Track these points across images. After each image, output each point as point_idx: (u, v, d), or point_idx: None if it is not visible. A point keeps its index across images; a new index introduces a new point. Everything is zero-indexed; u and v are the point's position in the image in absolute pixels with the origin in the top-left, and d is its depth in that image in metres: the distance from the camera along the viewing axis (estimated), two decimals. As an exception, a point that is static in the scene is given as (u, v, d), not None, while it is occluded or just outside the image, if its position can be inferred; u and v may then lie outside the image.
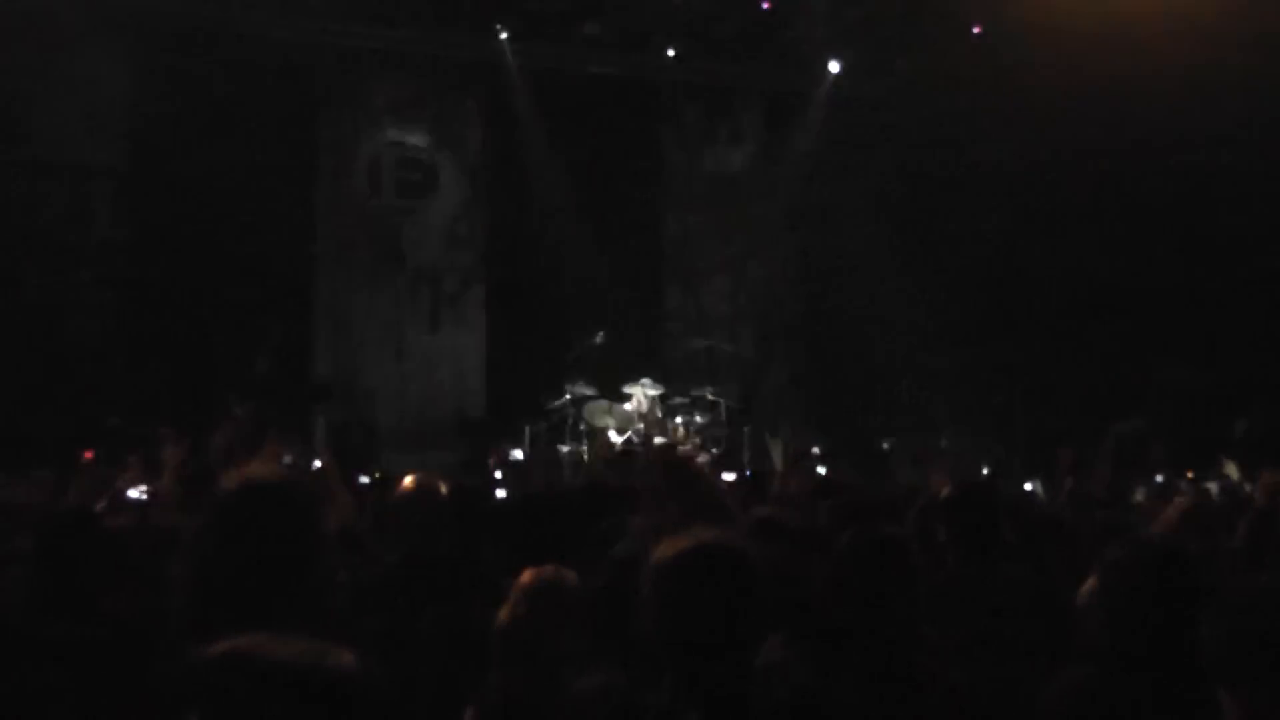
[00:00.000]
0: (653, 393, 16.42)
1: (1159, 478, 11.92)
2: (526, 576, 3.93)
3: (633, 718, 2.71)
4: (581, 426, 16.09)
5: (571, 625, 3.84)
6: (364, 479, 10.38)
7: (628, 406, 16.38)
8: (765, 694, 2.66)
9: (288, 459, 9.09)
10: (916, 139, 18.18)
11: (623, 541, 4.95)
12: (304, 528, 2.92)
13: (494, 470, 8.06)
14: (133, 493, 7.88)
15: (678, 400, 16.75)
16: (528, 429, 16.29)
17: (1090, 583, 3.94)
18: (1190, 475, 10.16)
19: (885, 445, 10.57)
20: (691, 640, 2.62)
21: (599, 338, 16.50)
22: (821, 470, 8.31)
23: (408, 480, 5.19)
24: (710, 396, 16.79)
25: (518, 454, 15.52)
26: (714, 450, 16.11)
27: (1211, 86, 14.27)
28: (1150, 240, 15.95)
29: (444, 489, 5.22)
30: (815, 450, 8.18)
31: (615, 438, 15.75)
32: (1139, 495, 9.28)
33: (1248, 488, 8.97)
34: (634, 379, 16.52)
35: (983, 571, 4.77)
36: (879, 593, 3.64)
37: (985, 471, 14.52)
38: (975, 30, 17.58)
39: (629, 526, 5.13)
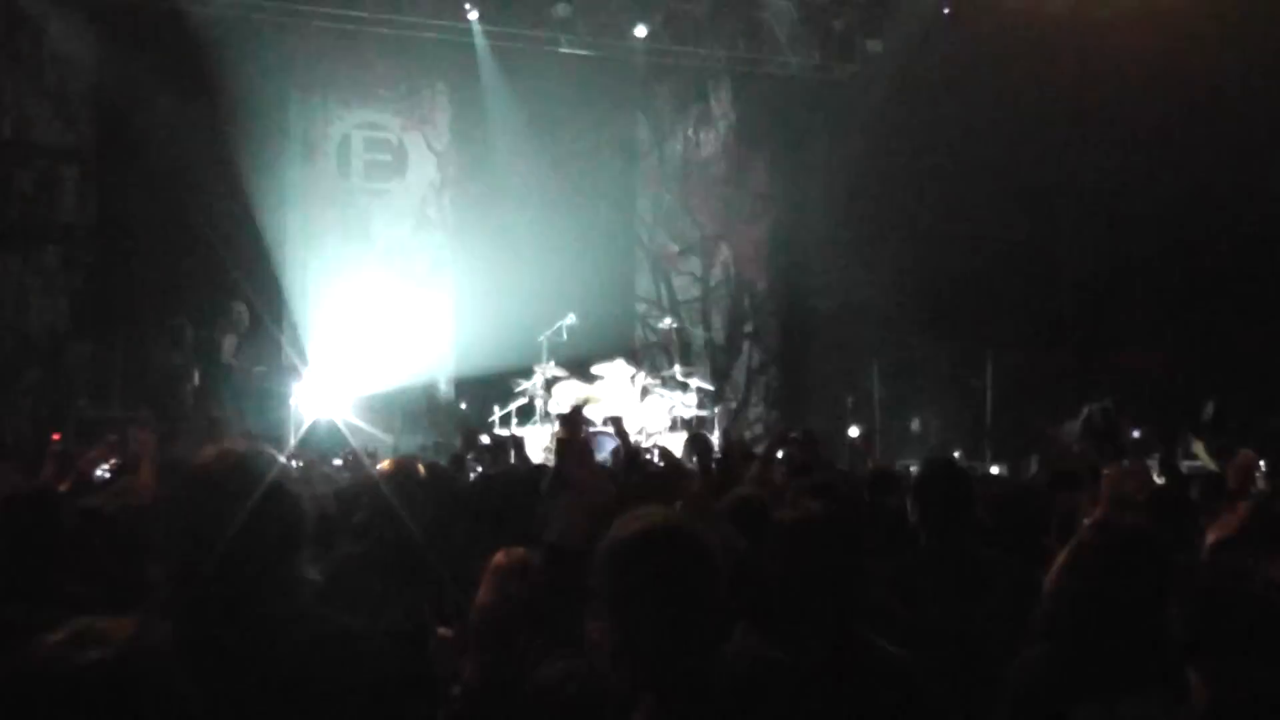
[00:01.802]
0: (624, 374, 16.43)
1: (1125, 462, 11.98)
2: (499, 559, 3.93)
3: (594, 701, 2.70)
4: (551, 408, 16.07)
5: (539, 606, 3.86)
6: (336, 461, 10.37)
7: (598, 388, 16.37)
8: (723, 675, 2.63)
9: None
10: (889, 122, 18.22)
11: (554, 523, 4.94)
12: (279, 496, 2.90)
13: (465, 452, 8.02)
14: (99, 471, 7.83)
15: (649, 381, 16.75)
16: (497, 410, 16.28)
17: (1058, 562, 3.95)
18: (1158, 456, 10.21)
19: (853, 430, 10.60)
20: (642, 623, 2.59)
21: (569, 319, 16.47)
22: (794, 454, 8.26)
23: (386, 462, 5.16)
24: (680, 377, 16.80)
25: (485, 439, 15.51)
26: (687, 430, 16.14)
27: (1181, 68, 14.32)
28: (1119, 224, 16.00)
29: (422, 470, 5.20)
30: (793, 434, 8.20)
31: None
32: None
33: (1214, 468, 9.03)
34: (605, 360, 16.52)
35: (952, 551, 4.78)
36: (823, 570, 3.63)
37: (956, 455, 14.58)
38: (945, 11, 17.63)
39: (558, 508, 5.13)
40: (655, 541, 2.62)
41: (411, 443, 15.04)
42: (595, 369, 16.47)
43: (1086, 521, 4.57)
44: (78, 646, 2.06)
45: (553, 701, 2.84)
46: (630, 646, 2.61)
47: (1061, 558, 3.88)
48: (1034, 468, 10.86)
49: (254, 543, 2.81)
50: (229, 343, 15.28)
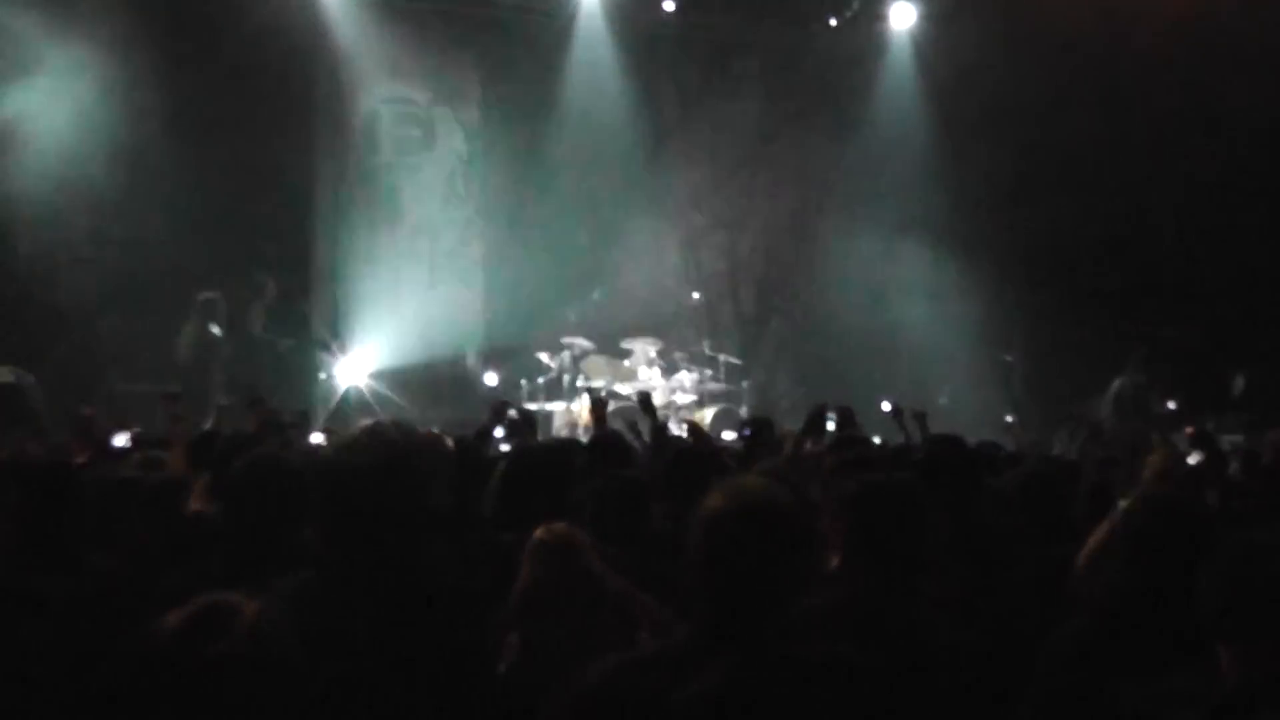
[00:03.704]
0: (651, 348, 16.44)
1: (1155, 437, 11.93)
2: (540, 534, 3.93)
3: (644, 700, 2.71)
4: (579, 382, 16.09)
5: (586, 582, 3.84)
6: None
7: (626, 363, 16.39)
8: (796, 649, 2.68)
9: (288, 417, 9.07)
10: (915, 92, 18.15)
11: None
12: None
13: (492, 426, 8.02)
14: (119, 441, 7.86)
15: (677, 355, 16.75)
16: (525, 385, 16.31)
17: (1096, 537, 3.94)
18: (1190, 431, 10.14)
19: (885, 404, 10.56)
20: (732, 590, 2.67)
21: (597, 294, 16.47)
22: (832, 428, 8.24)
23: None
24: (709, 352, 16.78)
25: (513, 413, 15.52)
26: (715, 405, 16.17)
27: (1214, 35, 14.20)
28: (1148, 195, 15.88)
29: (450, 444, 5.20)
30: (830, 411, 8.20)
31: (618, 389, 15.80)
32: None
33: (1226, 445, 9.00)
34: (632, 334, 16.53)
35: (968, 526, 4.77)
36: (882, 539, 3.67)
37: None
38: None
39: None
40: (757, 512, 2.69)
41: (438, 416, 15.06)
42: (623, 344, 16.48)
43: (1122, 503, 4.55)
44: (203, 635, 2.09)
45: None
46: (720, 613, 2.68)
47: (1101, 533, 3.87)
48: (1068, 442, 10.80)
49: (400, 510, 2.99)
50: (256, 315, 15.33)
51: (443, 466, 4.72)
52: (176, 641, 2.09)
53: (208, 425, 9.96)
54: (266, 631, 2.16)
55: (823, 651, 2.72)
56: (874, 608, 3.51)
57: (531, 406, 14.88)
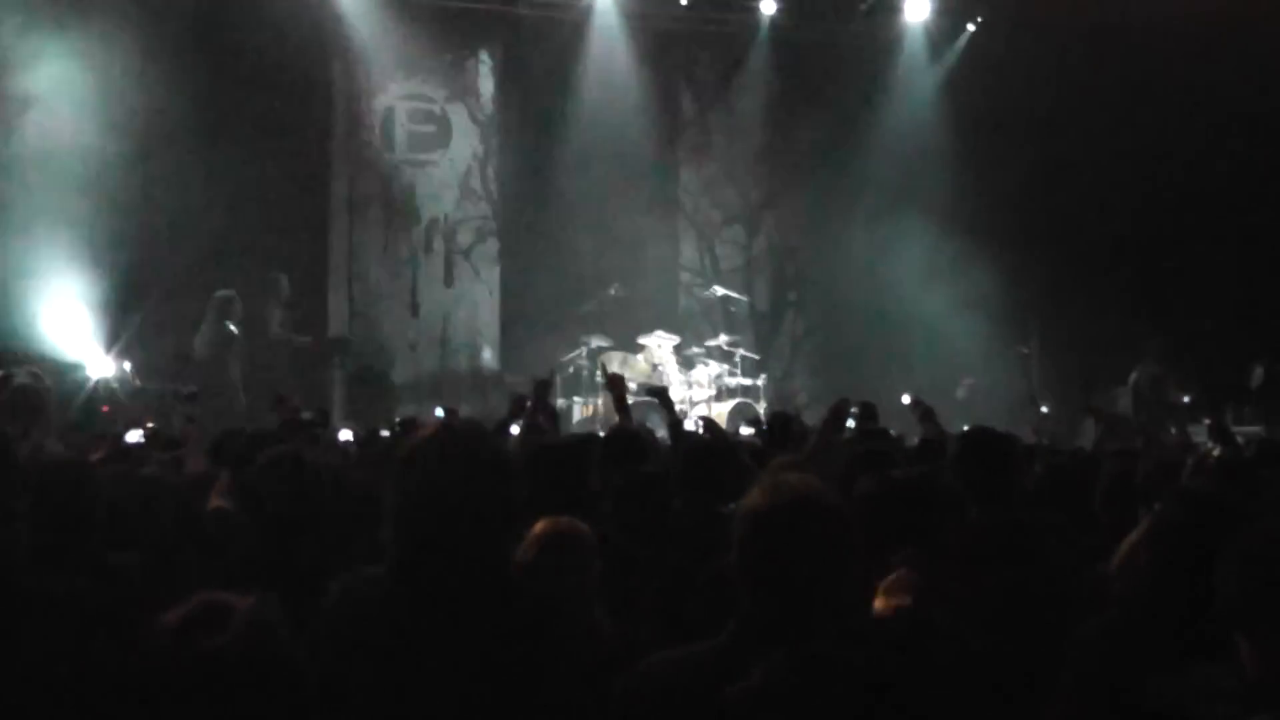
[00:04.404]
0: (668, 343, 16.43)
1: (1173, 429, 11.92)
2: (540, 527, 3.92)
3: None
4: (597, 378, 16.09)
5: (587, 576, 3.83)
6: (384, 432, 10.39)
7: (642, 358, 16.38)
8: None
9: (306, 415, 9.07)
10: (930, 85, 18.13)
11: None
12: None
13: (511, 419, 7.97)
14: (131, 437, 7.87)
15: (694, 350, 16.73)
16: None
17: (1137, 534, 3.92)
18: (1209, 422, 10.11)
19: (906, 398, 10.48)
20: (778, 586, 2.68)
21: (614, 290, 16.46)
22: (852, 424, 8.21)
23: (428, 428, 5.11)
24: (726, 347, 16.77)
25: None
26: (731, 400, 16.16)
27: (1234, 25, 14.14)
28: (1166, 185, 15.83)
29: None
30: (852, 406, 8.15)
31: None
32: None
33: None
34: (649, 330, 16.52)
35: (1002, 520, 4.75)
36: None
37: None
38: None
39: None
40: (803, 510, 2.70)
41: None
42: (640, 339, 16.48)
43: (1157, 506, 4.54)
44: (200, 630, 2.09)
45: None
46: (764, 611, 2.69)
47: (1139, 532, 3.85)
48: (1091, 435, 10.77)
49: (480, 511, 2.97)
50: (272, 314, 15.36)
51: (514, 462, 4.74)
52: (172, 639, 2.10)
53: (226, 424, 9.97)
54: (262, 629, 2.16)
55: (866, 652, 2.71)
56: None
57: (555, 402, 14.87)
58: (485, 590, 2.92)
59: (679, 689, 2.67)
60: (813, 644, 2.60)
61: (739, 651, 2.65)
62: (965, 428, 5.74)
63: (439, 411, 10.58)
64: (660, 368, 16.26)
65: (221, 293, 14.73)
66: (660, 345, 16.42)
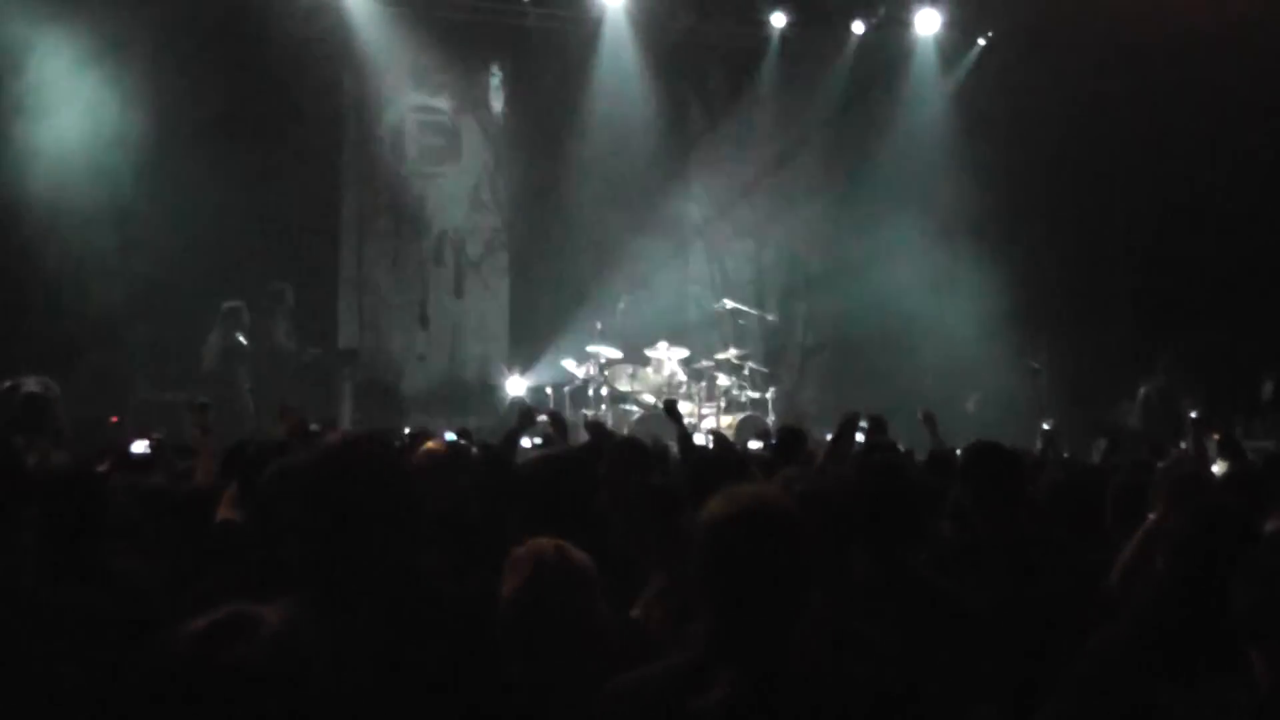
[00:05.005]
0: (676, 355, 16.43)
1: (1183, 444, 11.84)
2: (519, 552, 3.41)
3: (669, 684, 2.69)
4: (605, 391, 16.10)
5: (578, 604, 3.36)
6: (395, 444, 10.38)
7: (652, 371, 16.38)
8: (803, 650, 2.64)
9: (314, 426, 9.07)
10: (940, 98, 18.15)
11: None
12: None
13: (520, 432, 7.91)
14: (138, 447, 7.88)
15: (703, 364, 16.72)
16: (551, 393, 16.34)
17: (1131, 547, 3.91)
18: (1218, 437, 10.06)
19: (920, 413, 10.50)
20: (734, 598, 2.61)
21: (623, 302, 16.47)
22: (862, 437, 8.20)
23: (431, 443, 5.10)
24: (735, 360, 16.76)
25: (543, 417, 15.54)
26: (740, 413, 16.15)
27: (1243, 36, 14.13)
28: (1175, 198, 15.81)
29: (474, 451, 5.18)
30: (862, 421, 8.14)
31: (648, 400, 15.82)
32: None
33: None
34: (658, 343, 16.52)
35: (1005, 533, 4.74)
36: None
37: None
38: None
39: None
40: (759, 519, 2.64)
41: (464, 425, 15.08)
42: (649, 352, 16.48)
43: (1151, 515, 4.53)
44: (225, 640, 2.08)
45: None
46: (724, 623, 2.63)
47: (1136, 542, 3.84)
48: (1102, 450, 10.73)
49: (382, 519, 2.98)
50: (279, 324, 15.41)
51: (442, 474, 4.72)
52: (195, 648, 2.09)
53: (235, 434, 9.97)
54: (289, 641, 2.15)
55: (830, 665, 2.68)
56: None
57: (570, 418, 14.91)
58: (388, 599, 2.92)
59: (647, 705, 2.65)
60: (773, 658, 2.59)
61: (705, 666, 2.62)
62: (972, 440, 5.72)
63: (449, 435, 10.53)
64: (675, 377, 16.27)
65: (229, 304, 14.78)
66: (669, 358, 16.41)
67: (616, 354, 16.40)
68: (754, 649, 2.59)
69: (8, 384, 11.34)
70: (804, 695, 2.56)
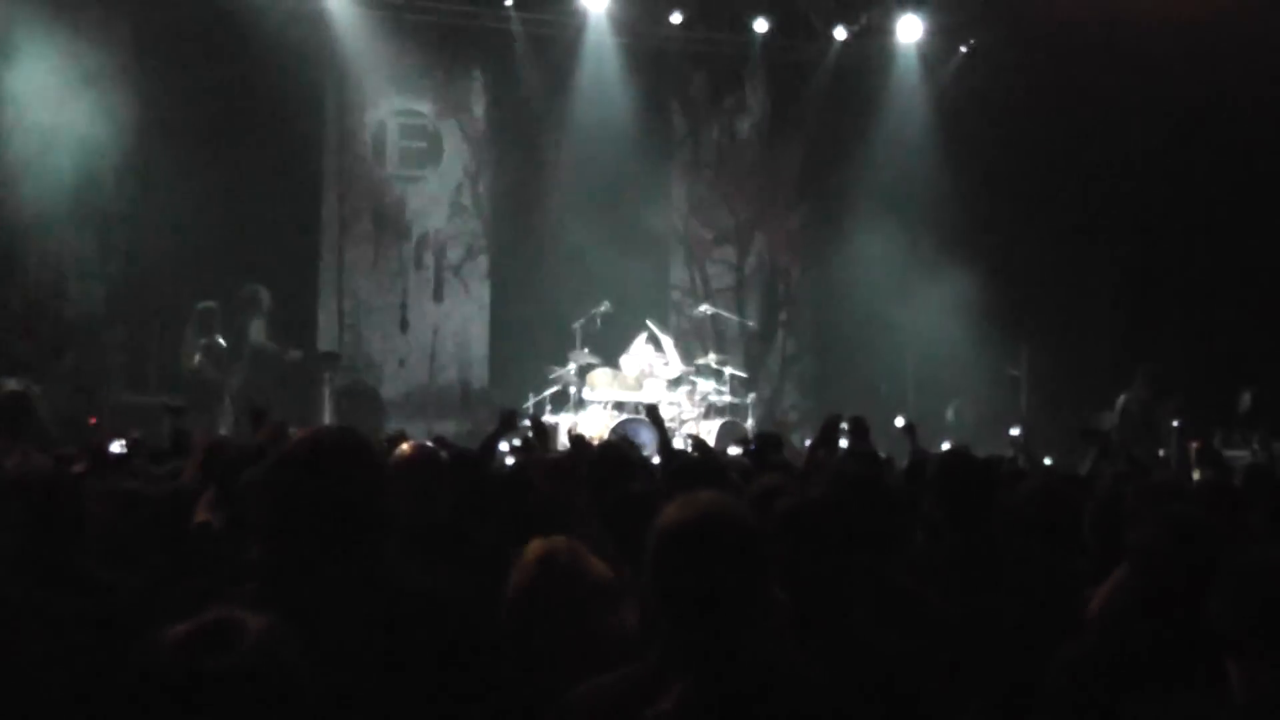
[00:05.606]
0: (658, 362, 16.44)
1: (1161, 452, 11.87)
2: (533, 548, 3.52)
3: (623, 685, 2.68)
4: (585, 395, 16.09)
5: (584, 602, 3.42)
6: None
7: (632, 376, 16.37)
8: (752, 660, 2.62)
9: (293, 431, 9.04)
10: (922, 104, 18.19)
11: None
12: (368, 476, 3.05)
13: (499, 436, 7.87)
14: (115, 448, 7.83)
15: (684, 370, 16.71)
16: (531, 397, 16.33)
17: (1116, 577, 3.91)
18: (1198, 445, 10.10)
19: (899, 420, 10.49)
20: (691, 607, 2.60)
21: (604, 307, 16.47)
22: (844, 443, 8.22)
23: (405, 446, 5.04)
24: (715, 365, 16.76)
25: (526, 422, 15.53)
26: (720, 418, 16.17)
27: (1226, 44, 14.17)
28: (1156, 208, 15.85)
29: (444, 455, 5.15)
30: (843, 424, 8.16)
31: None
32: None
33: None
34: (638, 348, 16.52)
35: (977, 543, 4.74)
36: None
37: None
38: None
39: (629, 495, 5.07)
40: (712, 525, 2.63)
41: (444, 430, 15.07)
42: (628, 357, 16.49)
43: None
44: (208, 647, 2.07)
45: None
46: (677, 630, 2.62)
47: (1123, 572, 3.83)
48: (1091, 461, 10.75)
49: (347, 514, 2.96)
50: (256, 326, 15.38)
51: (413, 477, 4.70)
52: (178, 654, 2.07)
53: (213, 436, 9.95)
54: (273, 647, 2.13)
55: (784, 671, 2.67)
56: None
57: (550, 420, 14.91)
58: (364, 598, 2.91)
59: (602, 714, 2.64)
60: (726, 666, 2.57)
61: (662, 675, 2.60)
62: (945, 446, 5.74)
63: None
64: (648, 385, 16.27)
65: (202, 304, 14.75)
66: (649, 363, 16.42)
67: (596, 358, 16.39)
68: (706, 657, 2.58)
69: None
70: (757, 704, 2.56)
